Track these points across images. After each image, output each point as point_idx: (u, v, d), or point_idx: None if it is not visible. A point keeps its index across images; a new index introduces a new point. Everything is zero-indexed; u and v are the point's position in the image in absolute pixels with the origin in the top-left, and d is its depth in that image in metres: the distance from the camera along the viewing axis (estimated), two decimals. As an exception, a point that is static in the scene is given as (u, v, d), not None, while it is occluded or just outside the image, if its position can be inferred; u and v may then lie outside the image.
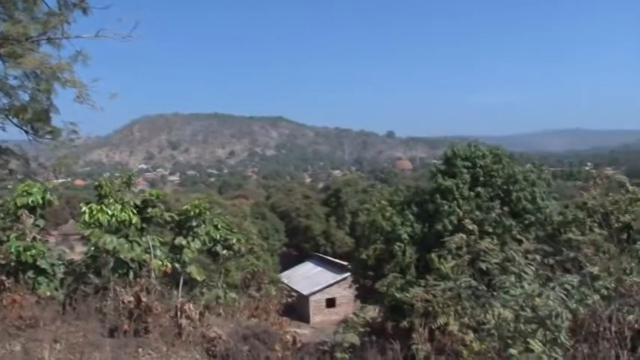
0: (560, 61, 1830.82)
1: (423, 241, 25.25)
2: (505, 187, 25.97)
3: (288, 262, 63.88)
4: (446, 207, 25.54)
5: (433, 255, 16.50)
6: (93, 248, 11.06)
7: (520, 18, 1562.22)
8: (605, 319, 6.01)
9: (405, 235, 25.50)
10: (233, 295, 12.49)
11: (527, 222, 24.94)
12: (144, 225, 11.69)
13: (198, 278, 12.22)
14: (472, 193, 25.99)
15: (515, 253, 6.05)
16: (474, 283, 6.29)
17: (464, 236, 7.01)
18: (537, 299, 5.30)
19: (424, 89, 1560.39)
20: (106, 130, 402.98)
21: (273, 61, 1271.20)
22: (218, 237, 13.07)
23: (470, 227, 7.12)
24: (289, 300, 14.18)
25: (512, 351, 5.17)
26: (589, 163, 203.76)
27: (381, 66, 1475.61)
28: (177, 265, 11.81)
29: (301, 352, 9.19)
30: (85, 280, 10.88)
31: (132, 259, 10.70)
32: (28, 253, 10.02)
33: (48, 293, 9.98)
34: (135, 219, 11.24)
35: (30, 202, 10.69)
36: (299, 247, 71.59)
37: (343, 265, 48.41)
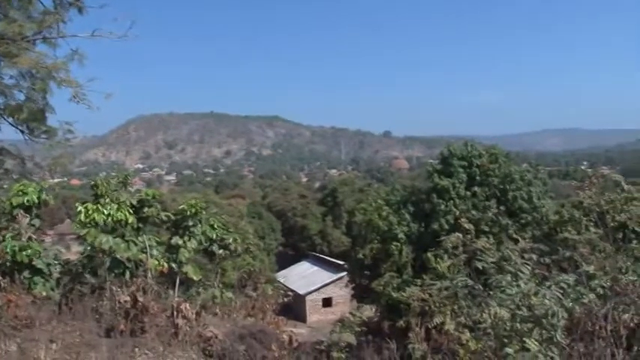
0: (558, 61, 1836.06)
1: (420, 240, 25.29)
2: (501, 186, 26.02)
3: (285, 261, 63.85)
4: (442, 206, 25.58)
5: (429, 254, 16.55)
6: (89, 248, 11.04)
7: (517, 18, 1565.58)
8: (600, 317, 6.02)
9: (401, 235, 25.52)
10: (229, 294, 12.47)
11: (523, 221, 24.99)
12: (140, 225, 11.68)
13: (195, 278, 12.21)
14: (468, 193, 26.03)
15: (511, 252, 6.05)
16: (470, 282, 6.30)
17: (460, 235, 6.99)
18: (533, 298, 5.31)
19: (421, 88, 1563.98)
20: (102, 129, 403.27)
21: (269, 60, 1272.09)
22: (214, 236, 13.05)
23: (466, 226, 7.11)
24: (286, 299, 14.15)
25: (509, 350, 5.17)
26: (585, 163, 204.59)
27: (378, 65, 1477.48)
28: (173, 265, 11.80)
29: (298, 351, 9.19)
30: (81, 279, 10.86)
31: (128, 259, 10.70)
32: (24, 252, 10.00)
33: (44, 293, 9.97)
34: (131, 219, 11.22)
35: (25, 201, 10.66)
36: (295, 247, 71.61)
37: (340, 264, 48.43)
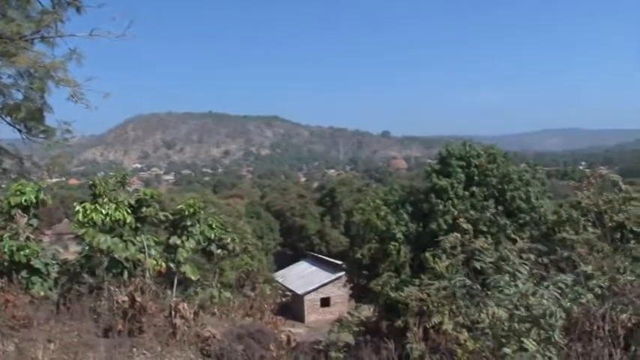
0: (557, 61, 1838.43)
1: (418, 240, 25.29)
2: (500, 186, 26.03)
3: (283, 261, 63.85)
4: (440, 206, 25.58)
5: (428, 254, 16.56)
6: (87, 248, 11.03)
7: (516, 18, 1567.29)
8: (598, 317, 6.03)
9: (399, 235, 25.52)
10: (227, 294, 12.47)
11: (521, 221, 25.01)
12: (138, 224, 11.68)
13: (193, 278, 12.21)
14: (467, 193, 26.04)
15: (509, 252, 6.06)
16: (468, 282, 6.30)
17: (458, 235, 7.00)
18: (531, 298, 5.31)
19: (419, 88, 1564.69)
20: (101, 129, 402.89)
21: (268, 60, 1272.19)
22: (212, 236, 13.05)
23: (464, 226, 7.12)
24: (284, 299, 14.18)
25: (507, 350, 5.18)
26: (583, 163, 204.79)
27: (376, 65, 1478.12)
28: (171, 265, 11.79)
29: (296, 351, 9.18)
30: (79, 279, 10.86)
31: (126, 259, 10.69)
32: (22, 252, 9.99)
33: (42, 293, 9.95)
34: (129, 218, 11.22)
35: (23, 201, 10.65)
36: (294, 247, 71.61)
37: (338, 264, 48.42)
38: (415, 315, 12.10)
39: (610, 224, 10.36)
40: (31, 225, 10.85)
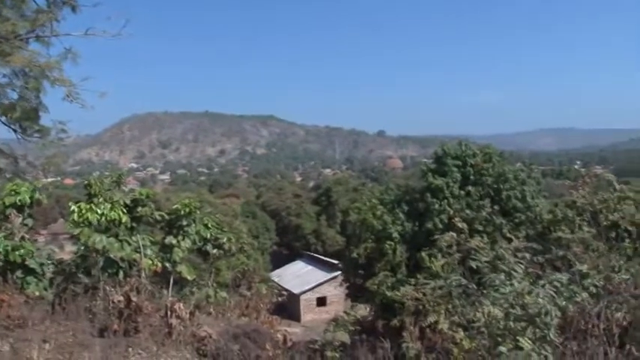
0: (552, 62, 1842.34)
1: (414, 239, 25.31)
2: (495, 185, 26.07)
3: (279, 260, 63.86)
4: (436, 206, 25.61)
5: (423, 253, 16.56)
6: (83, 247, 11.00)
7: (513, 18, 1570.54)
8: (593, 316, 6.05)
9: (395, 234, 25.54)
10: (223, 294, 12.46)
11: (517, 220, 25.05)
12: (134, 224, 11.65)
13: (189, 277, 12.19)
14: (462, 192, 26.07)
15: (505, 251, 6.08)
16: (464, 281, 6.32)
17: (454, 235, 7.02)
18: (527, 297, 5.33)
19: (415, 88, 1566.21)
20: (96, 128, 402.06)
21: (263, 59, 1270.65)
22: (208, 236, 13.03)
23: (460, 226, 7.14)
24: (280, 299, 14.18)
25: (502, 349, 5.19)
26: (578, 162, 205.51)
27: (372, 65, 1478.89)
28: (167, 265, 11.77)
29: (292, 350, 9.18)
30: (74, 279, 10.82)
31: (122, 259, 10.66)
32: (17, 252, 9.95)
33: (37, 293, 9.92)
34: (125, 218, 11.19)
35: (18, 201, 10.61)
36: (290, 246, 71.58)
37: (334, 263, 48.46)
38: (411, 314, 12.13)
39: (605, 223, 10.41)
40: (26, 225, 10.81)
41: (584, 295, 6.00)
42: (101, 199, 11.23)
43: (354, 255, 27.33)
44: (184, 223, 12.48)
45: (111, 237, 10.82)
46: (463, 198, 25.87)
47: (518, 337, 5.17)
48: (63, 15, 11.28)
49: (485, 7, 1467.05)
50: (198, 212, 12.88)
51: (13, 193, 10.67)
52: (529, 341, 5.10)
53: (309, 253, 63.45)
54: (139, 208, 11.78)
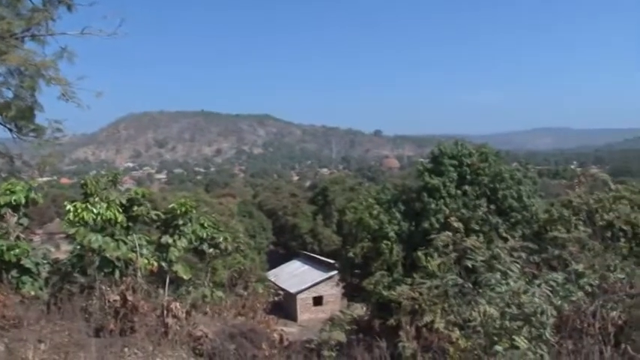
0: (549, 62, 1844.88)
1: (410, 239, 25.34)
2: (491, 185, 26.13)
3: (276, 260, 63.85)
4: (433, 205, 25.65)
5: (420, 253, 16.59)
6: (78, 247, 10.97)
7: (507, 18, 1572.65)
8: (589, 315, 6.07)
9: (392, 233, 25.56)
10: (220, 293, 12.44)
11: (513, 220, 25.11)
12: (130, 223, 11.62)
13: (185, 277, 12.17)
14: (459, 192, 26.12)
15: (501, 250, 6.09)
16: (460, 280, 6.33)
17: (450, 234, 7.03)
18: (523, 296, 5.34)
19: (412, 88, 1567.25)
20: (92, 127, 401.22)
21: (260, 59, 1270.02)
22: (205, 235, 13.01)
23: (456, 225, 7.15)
24: (276, 298, 14.13)
25: (498, 348, 5.20)
26: (574, 162, 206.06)
27: (369, 65, 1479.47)
28: (163, 264, 11.75)
29: (288, 350, 9.17)
30: (70, 279, 10.79)
31: (118, 258, 10.63)
32: (12, 252, 9.91)
33: (32, 292, 9.88)
34: (121, 217, 11.17)
35: (13, 200, 10.57)
36: (286, 246, 71.61)
37: (330, 263, 48.47)
38: (407, 313, 12.12)
39: (600, 223, 10.45)
40: (22, 224, 10.78)
41: (580, 294, 6.02)
42: (97, 199, 11.20)
43: (351, 254, 27.34)
44: (180, 222, 12.45)
45: (107, 236, 10.79)
46: (459, 197, 25.91)
47: (514, 336, 5.17)
48: (59, 14, 11.29)
49: (483, 6, 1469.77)
50: (194, 212, 12.86)
51: (8, 192, 10.63)
52: (525, 340, 5.11)
53: (305, 252, 63.48)
54: (135, 208, 11.76)
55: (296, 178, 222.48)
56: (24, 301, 9.13)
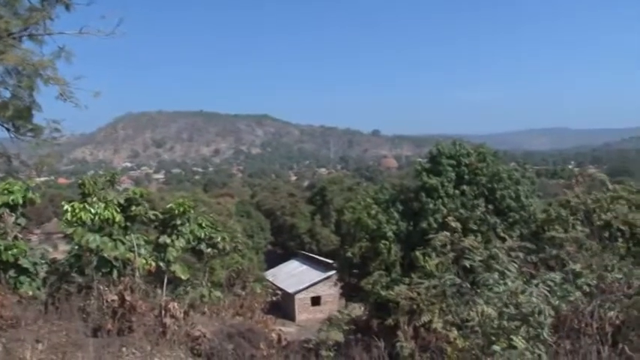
0: (546, 62, 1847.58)
1: (408, 239, 25.36)
2: (489, 185, 26.16)
3: (274, 260, 63.86)
4: (431, 205, 25.67)
5: (418, 253, 16.60)
6: (76, 247, 10.95)
7: (504, 17, 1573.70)
8: (587, 315, 6.08)
9: (390, 233, 25.58)
10: (218, 293, 12.43)
11: (511, 220, 25.14)
12: (128, 223, 11.60)
13: (183, 277, 12.16)
14: (457, 192, 26.14)
15: (499, 250, 6.09)
16: (458, 280, 6.33)
17: (448, 234, 7.04)
18: (520, 296, 5.35)
19: (410, 87, 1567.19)
20: (90, 127, 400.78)
21: (258, 59, 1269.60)
22: (203, 235, 13.00)
23: (454, 225, 7.15)
24: (274, 298, 14.13)
25: (496, 347, 5.20)
26: (572, 162, 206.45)
27: (367, 64, 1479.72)
28: (161, 264, 11.74)
29: (286, 350, 9.17)
30: (68, 279, 10.77)
31: (115, 258, 10.62)
32: (10, 252, 9.89)
33: (30, 292, 9.86)
34: (118, 217, 11.15)
35: (11, 200, 10.54)
36: (284, 246, 71.61)
37: (328, 263, 48.50)
38: (405, 313, 12.12)
39: (598, 223, 10.47)
40: (19, 224, 10.75)
41: (578, 294, 6.03)
42: (95, 199, 11.18)
43: (349, 254, 27.35)
44: (178, 222, 12.44)
45: (105, 236, 10.77)
46: (457, 197, 25.94)
47: (511, 336, 5.18)
48: (56, 13, 11.29)
49: (480, 6, 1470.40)
50: (192, 211, 12.85)
51: (6, 192, 10.60)
52: (523, 340, 5.11)
53: (303, 252, 63.50)
54: (133, 208, 11.74)
55: (294, 178, 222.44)
56: (21, 301, 9.11)
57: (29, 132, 11.67)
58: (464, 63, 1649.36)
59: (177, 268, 12.05)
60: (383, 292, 21.66)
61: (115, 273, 10.44)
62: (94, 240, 10.46)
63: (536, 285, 5.55)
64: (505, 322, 5.35)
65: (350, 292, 29.89)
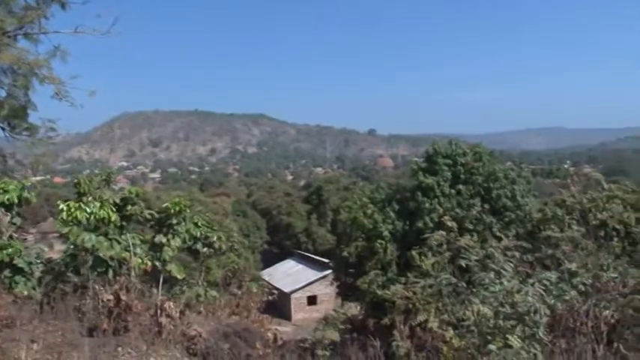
0: (542, 61, 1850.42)
1: (404, 238, 25.40)
2: (485, 184, 26.21)
3: (270, 259, 63.88)
4: (427, 204, 25.71)
5: (414, 252, 16.62)
6: (72, 246, 10.92)
7: (501, 17, 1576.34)
8: (582, 314, 6.10)
9: (386, 233, 25.61)
10: (214, 293, 12.42)
11: (507, 219, 25.20)
12: (123, 223, 11.57)
13: (179, 276, 12.13)
14: (453, 191, 26.19)
15: (494, 250, 6.10)
16: (454, 280, 6.34)
17: (444, 233, 7.04)
18: (516, 295, 5.36)
19: (406, 87, 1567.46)
20: (87, 127, 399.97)
21: (254, 58, 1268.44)
22: (198, 235, 12.97)
23: (450, 224, 7.16)
24: (270, 298, 14.13)
25: (492, 347, 5.21)
26: (568, 162, 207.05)
27: (363, 64, 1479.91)
28: (157, 263, 11.70)
29: (282, 349, 9.17)
30: (63, 278, 10.74)
31: (111, 258, 10.59)
32: (5, 251, 9.87)
33: (25, 292, 9.84)
34: (114, 217, 11.12)
35: (6, 199, 10.52)
36: (280, 245, 71.60)
37: (325, 262, 48.54)
38: (401, 313, 12.12)
39: (594, 222, 10.49)
40: (15, 224, 10.73)
41: (573, 293, 6.04)
42: (90, 198, 11.15)
43: (345, 254, 27.38)
44: (174, 221, 12.40)
45: (100, 236, 10.74)
46: (453, 197, 25.98)
47: (507, 336, 5.19)
48: (52, 12, 11.25)
49: (477, 6, 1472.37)
50: (188, 211, 12.82)
51: (1, 191, 10.57)
52: (518, 339, 5.12)
53: (299, 251, 63.50)
54: (129, 207, 11.71)
55: (290, 177, 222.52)
56: (17, 301, 9.10)
57: (25, 131, 11.63)
58: (461, 63, 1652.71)
59: (173, 268, 12.02)
60: (379, 292, 21.68)
61: (110, 272, 10.42)
62: (89, 239, 10.43)
63: (532, 284, 5.56)
64: (501, 322, 5.36)
65: (346, 292, 29.95)
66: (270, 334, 9.31)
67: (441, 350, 7.20)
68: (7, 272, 9.99)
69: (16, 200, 10.64)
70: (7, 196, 10.53)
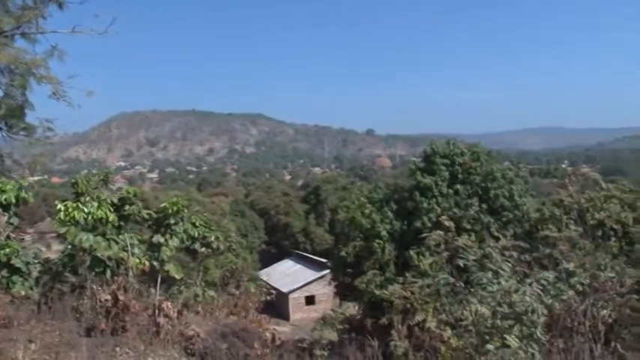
0: (540, 61, 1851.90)
1: (402, 238, 25.41)
2: (483, 184, 26.24)
3: (268, 259, 63.86)
4: (425, 204, 25.73)
5: (412, 252, 16.63)
6: (69, 246, 10.91)
7: (498, 17, 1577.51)
8: (579, 314, 6.11)
9: (384, 233, 25.62)
10: (212, 293, 12.42)
11: (504, 219, 25.23)
12: (121, 223, 11.56)
13: (177, 276, 12.12)
14: (451, 191, 26.21)
15: (492, 249, 6.11)
16: (451, 279, 6.35)
17: (442, 233, 7.05)
18: (514, 295, 5.36)
19: (404, 87, 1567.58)
20: (84, 126, 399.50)
21: (252, 58, 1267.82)
22: (196, 235, 12.96)
23: (448, 224, 7.17)
24: (268, 298, 14.14)
25: (490, 346, 5.22)
26: (565, 161, 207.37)
27: (361, 64, 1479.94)
28: (155, 263, 11.69)
29: (280, 349, 9.17)
30: (61, 278, 10.73)
31: (109, 257, 10.58)
32: (2, 251, 9.85)
33: (22, 292, 9.83)
34: (112, 217, 11.10)
35: (3, 199, 10.50)
36: (278, 245, 71.61)
37: (322, 262, 48.52)
38: (399, 313, 12.12)
39: (591, 222, 10.50)
40: (12, 224, 10.71)
41: (571, 293, 6.05)
42: (88, 198, 11.14)
43: (343, 253, 27.38)
44: (172, 221, 12.39)
45: (98, 236, 10.73)
46: (451, 196, 26.01)
47: (505, 335, 5.19)
48: (49, 12, 11.24)
49: (477, 6, 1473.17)
50: (186, 211, 12.81)
51: (-2, 191, 10.56)
52: (516, 339, 5.13)
53: (297, 251, 63.51)
54: (127, 207, 11.70)
55: (288, 177, 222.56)
56: (14, 301, 9.08)
57: (22, 131, 11.62)
58: (460, 63, 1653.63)
59: (171, 268, 12.02)
60: (377, 291, 21.68)
61: (108, 272, 10.41)
62: (87, 239, 10.42)
63: (530, 284, 5.56)
64: (498, 321, 5.37)
65: (344, 292, 29.93)
66: (268, 334, 9.31)
67: (438, 350, 7.21)
68: (4, 272, 9.97)
69: (13, 200, 10.62)
70: (4, 196, 10.51)
